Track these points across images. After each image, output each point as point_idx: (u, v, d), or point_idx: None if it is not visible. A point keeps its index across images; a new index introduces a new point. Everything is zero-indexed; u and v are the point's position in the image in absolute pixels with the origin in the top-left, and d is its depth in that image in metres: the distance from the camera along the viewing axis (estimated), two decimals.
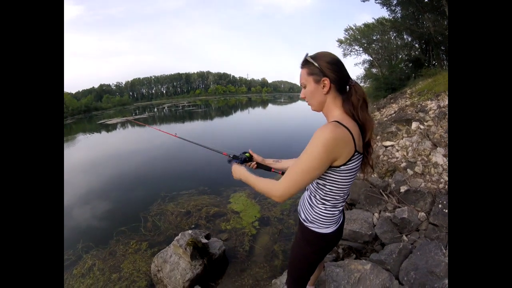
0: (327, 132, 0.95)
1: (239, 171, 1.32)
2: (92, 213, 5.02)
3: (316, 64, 1.04)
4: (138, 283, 3.00)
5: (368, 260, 2.39)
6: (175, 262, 2.88)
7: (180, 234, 3.03)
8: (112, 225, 4.31)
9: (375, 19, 21.42)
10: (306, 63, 1.08)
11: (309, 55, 1.08)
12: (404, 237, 2.75)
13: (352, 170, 1.05)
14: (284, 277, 2.45)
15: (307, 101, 1.14)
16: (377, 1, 18.20)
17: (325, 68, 1.03)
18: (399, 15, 18.18)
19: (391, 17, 18.91)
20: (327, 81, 1.03)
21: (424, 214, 2.91)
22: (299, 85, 1.14)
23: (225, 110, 33.21)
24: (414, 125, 5.27)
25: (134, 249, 3.62)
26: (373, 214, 3.16)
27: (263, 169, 1.56)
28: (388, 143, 5.00)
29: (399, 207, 3.10)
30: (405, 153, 4.41)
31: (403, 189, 3.41)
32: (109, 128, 21.10)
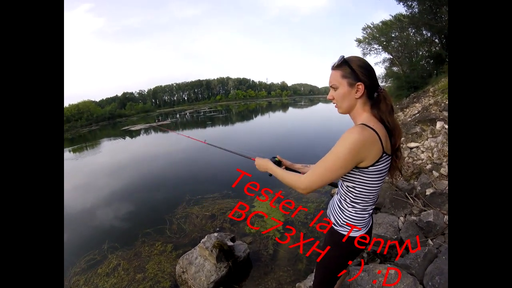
0: (354, 134, 0.98)
1: (265, 163, 1.39)
2: (118, 215, 5.23)
3: (353, 68, 1.05)
4: (162, 283, 3.10)
5: (393, 264, 2.37)
6: (201, 263, 2.96)
7: (206, 237, 3.11)
8: (138, 227, 4.46)
9: (392, 16, 20.87)
10: (340, 65, 1.08)
11: (344, 57, 1.09)
12: (430, 241, 2.69)
13: (381, 172, 1.07)
14: (308, 281, 2.47)
15: (335, 103, 1.14)
16: None
17: (360, 73, 1.04)
18: (416, 10, 17.40)
19: (408, 13, 18.24)
20: (361, 86, 1.04)
21: None
22: (329, 86, 1.14)
23: (246, 114, 33.38)
24: (438, 124, 5.11)
25: (159, 250, 3.73)
26: (399, 218, 3.11)
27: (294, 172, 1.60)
28: (412, 144, 4.89)
29: (424, 211, 3.04)
30: (430, 155, 4.30)
31: (428, 191, 3.33)
32: (133, 134, 21.79)
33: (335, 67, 1.09)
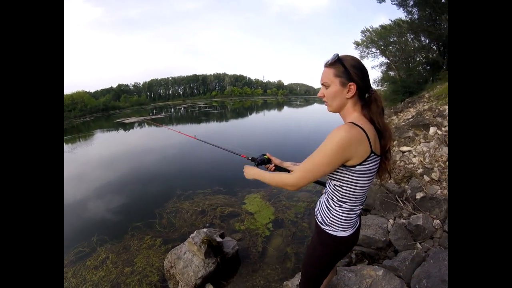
0: (342, 131, 0.98)
1: (252, 171, 1.37)
2: (108, 207, 5.17)
3: (346, 67, 1.03)
4: (150, 277, 3.07)
5: (380, 266, 2.38)
6: (189, 259, 2.94)
7: (195, 232, 3.09)
8: (128, 220, 4.42)
9: (391, 21, 20.98)
10: (334, 63, 1.06)
11: (339, 55, 1.07)
12: (418, 245, 2.72)
13: (369, 172, 1.06)
14: (295, 280, 2.47)
15: (325, 101, 1.13)
16: (393, 2, 17.72)
17: (353, 73, 1.03)
18: (416, 16, 17.59)
19: (408, 19, 18.40)
20: (353, 86, 1.04)
21: (439, 222, 2.86)
22: (320, 83, 1.13)
23: (241, 112, 33.23)
24: (431, 130, 5.16)
25: (148, 244, 3.71)
26: (388, 220, 3.13)
27: (282, 171, 1.58)
28: (405, 148, 4.93)
29: (414, 214, 3.06)
30: (422, 159, 4.33)
31: (419, 195, 3.36)
32: (126, 126, 21.55)
33: (329, 65, 1.08)
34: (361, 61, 1.08)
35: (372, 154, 1.03)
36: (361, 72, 1.04)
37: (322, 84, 1.11)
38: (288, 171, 1.57)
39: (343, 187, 1.11)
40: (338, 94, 1.07)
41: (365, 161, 1.02)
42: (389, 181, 3.85)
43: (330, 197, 1.18)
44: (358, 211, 1.20)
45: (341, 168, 1.06)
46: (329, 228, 1.20)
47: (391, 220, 3.13)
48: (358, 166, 1.03)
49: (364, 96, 1.09)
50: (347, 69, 1.03)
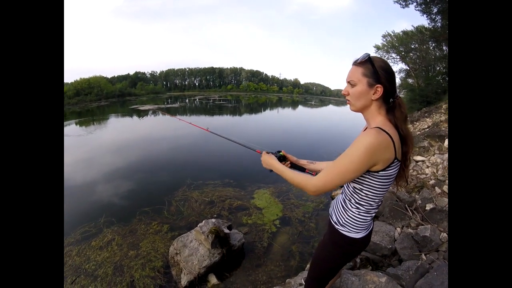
0: (370, 137, 0.97)
1: (271, 161, 1.37)
2: (118, 191, 5.26)
3: (376, 68, 1.02)
4: (154, 262, 3.13)
5: (384, 273, 2.38)
6: (195, 247, 2.99)
7: (203, 221, 3.13)
8: (136, 205, 4.49)
9: (414, 27, 20.50)
10: (363, 62, 1.04)
11: (370, 55, 1.06)
12: (423, 256, 2.70)
13: (390, 177, 1.06)
14: (298, 278, 2.50)
15: (348, 99, 1.11)
16: (417, 8, 17.24)
17: (382, 75, 1.02)
18: (439, 24, 17.00)
19: (431, 26, 17.90)
20: (380, 89, 1.02)
21: (446, 235, 2.84)
22: (346, 81, 1.10)
23: (255, 107, 33.10)
24: (447, 142, 5.07)
25: (155, 230, 3.77)
26: (396, 228, 3.12)
27: (297, 170, 1.58)
28: (419, 158, 4.86)
29: (422, 225, 3.03)
30: (435, 170, 4.27)
31: (428, 206, 3.32)
32: (141, 113, 21.81)
33: (358, 63, 1.06)
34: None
35: (395, 160, 1.03)
36: (389, 76, 1.03)
37: (348, 82, 1.09)
38: (304, 169, 1.57)
39: (363, 190, 1.11)
40: (363, 94, 1.05)
41: (388, 166, 1.02)
42: (401, 189, 3.82)
43: (348, 198, 1.19)
44: (374, 214, 1.20)
45: (365, 172, 1.06)
46: (343, 229, 1.21)
47: (398, 229, 3.11)
48: (381, 172, 1.03)
49: (389, 100, 1.08)
50: (376, 70, 1.02)
